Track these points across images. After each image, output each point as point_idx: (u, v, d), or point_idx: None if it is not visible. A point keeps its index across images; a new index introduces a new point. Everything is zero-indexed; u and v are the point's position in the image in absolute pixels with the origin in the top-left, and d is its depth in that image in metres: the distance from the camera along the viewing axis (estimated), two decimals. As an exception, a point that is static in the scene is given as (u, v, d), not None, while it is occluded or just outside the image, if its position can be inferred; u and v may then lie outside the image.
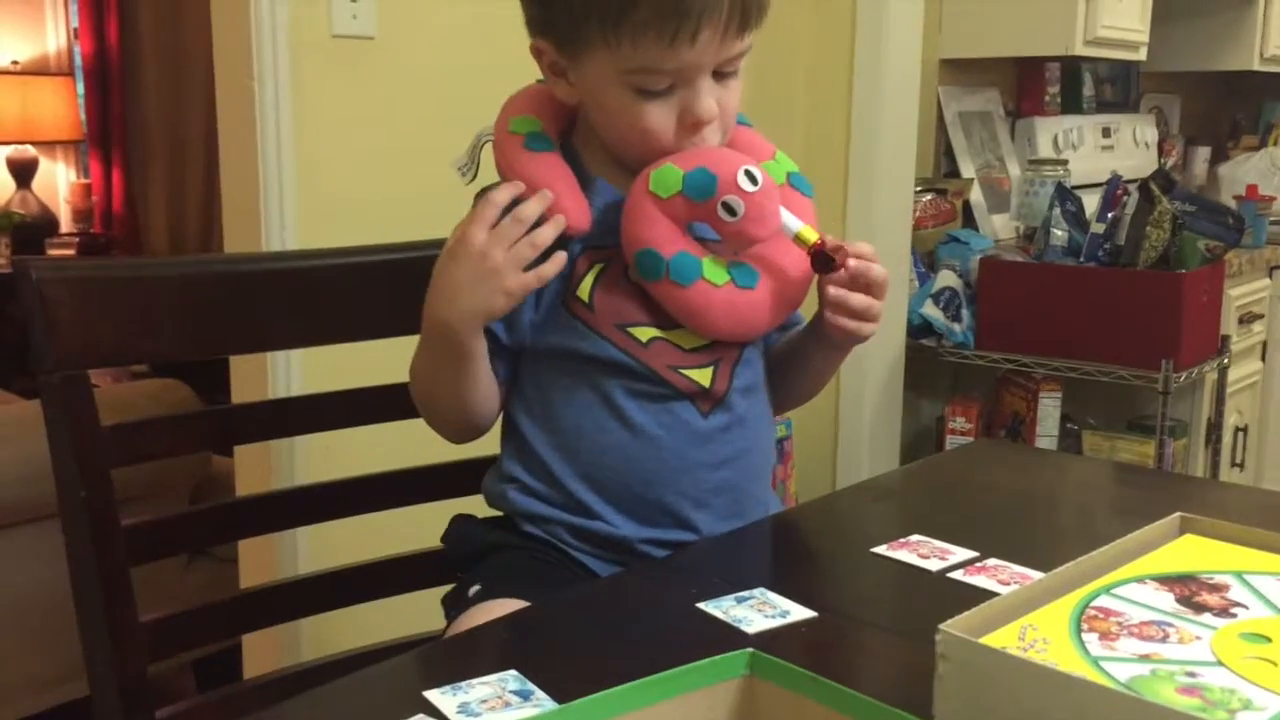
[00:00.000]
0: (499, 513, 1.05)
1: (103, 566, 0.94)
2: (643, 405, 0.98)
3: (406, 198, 1.70)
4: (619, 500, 0.98)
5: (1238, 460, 2.74)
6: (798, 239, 0.96)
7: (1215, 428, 2.59)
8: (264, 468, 1.59)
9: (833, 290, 0.98)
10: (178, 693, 1.91)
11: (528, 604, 0.89)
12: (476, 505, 1.08)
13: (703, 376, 1.00)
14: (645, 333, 0.98)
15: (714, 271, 0.95)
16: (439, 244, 1.17)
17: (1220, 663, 0.64)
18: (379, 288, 1.13)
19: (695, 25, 0.89)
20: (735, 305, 0.96)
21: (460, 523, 1.08)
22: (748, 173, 0.92)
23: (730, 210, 0.92)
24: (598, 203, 0.98)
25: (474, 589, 0.97)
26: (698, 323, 0.96)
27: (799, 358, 1.09)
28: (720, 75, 0.95)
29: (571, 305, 0.99)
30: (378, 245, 1.15)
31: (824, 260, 0.96)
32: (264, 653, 1.61)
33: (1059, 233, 2.41)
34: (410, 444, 1.14)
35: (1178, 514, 0.83)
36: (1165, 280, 2.23)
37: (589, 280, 0.98)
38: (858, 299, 0.98)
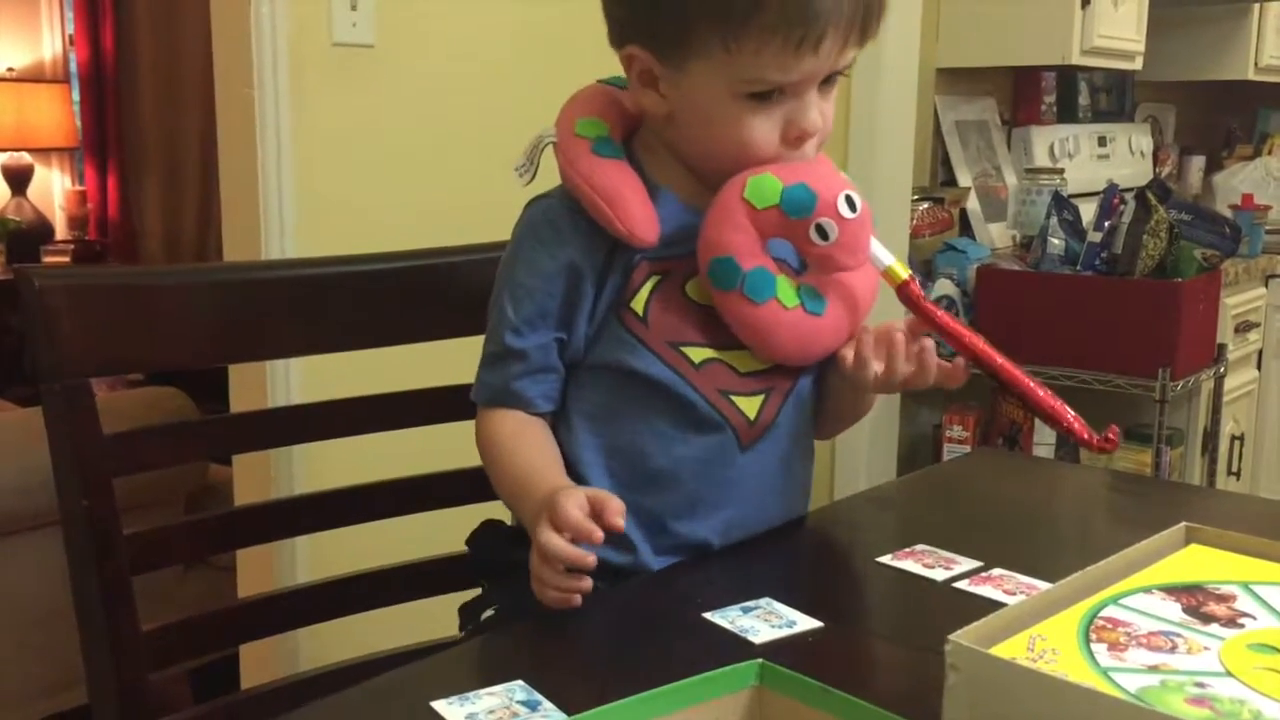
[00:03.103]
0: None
1: (104, 576, 0.93)
2: (686, 437, 0.96)
3: (406, 205, 1.70)
4: (650, 529, 0.96)
5: (1234, 469, 2.75)
6: (888, 273, 0.93)
7: (1211, 436, 2.59)
8: (263, 476, 1.58)
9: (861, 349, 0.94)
10: (174, 701, 1.90)
11: None
12: (473, 515, 1.07)
13: (750, 406, 0.97)
14: (700, 353, 0.96)
15: (786, 292, 0.92)
16: (439, 252, 1.17)
17: (1229, 673, 0.64)
18: (379, 296, 1.13)
19: (821, 31, 0.86)
20: (801, 330, 0.93)
21: (489, 529, 1.06)
22: (848, 198, 0.89)
23: (823, 233, 0.89)
24: (661, 214, 0.95)
25: (488, 613, 0.97)
26: (761, 341, 0.94)
27: (831, 392, 1.04)
28: (825, 85, 0.92)
29: (624, 316, 0.96)
30: (378, 254, 1.15)
31: (913, 300, 0.93)
32: (262, 661, 1.60)
33: (1056, 241, 2.41)
34: (409, 453, 1.14)
35: (1183, 524, 0.83)
36: (1162, 289, 2.24)
37: (645, 292, 0.95)
38: (878, 364, 0.94)
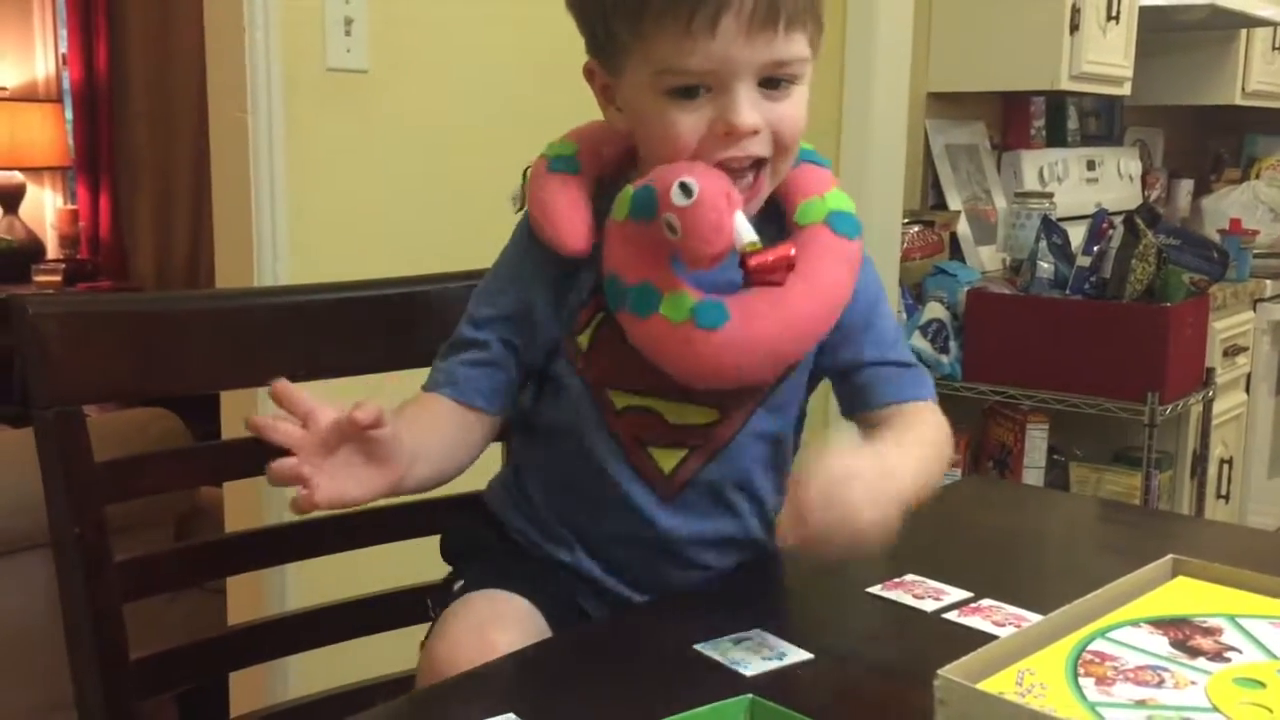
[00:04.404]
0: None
1: (94, 603, 0.93)
2: (606, 476, 0.95)
3: (400, 230, 1.71)
4: (581, 532, 0.98)
5: (1223, 492, 2.76)
6: (742, 251, 0.83)
7: (1200, 460, 2.60)
8: (253, 499, 1.58)
9: (791, 500, 0.76)
10: (162, 724, 1.90)
11: (511, 595, 0.91)
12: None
13: (666, 460, 0.94)
14: (624, 399, 0.94)
15: (675, 306, 0.86)
16: (433, 279, 1.18)
17: (1215, 709, 0.64)
18: (372, 322, 1.13)
19: (715, 10, 0.82)
20: (693, 345, 0.86)
21: (457, 520, 1.07)
22: (682, 185, 0.82)
23: (671, 229, 0.83)
24: None
25: (458, 584, 0.97)
26: (655, 359, 0.89)
27: None
28: (771, 84, 0.86)
29: (568, 346, 0.95)
30: (371, 280, 1.15)
31: (746, 270, 0.83)
32: (251, 687, 1.59)
33: (1045, 265, 2.43)
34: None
35: (1170, 556, 0.83)
36: (1151, 313, 2.25)
37: (592, 326, 0.94)
38: (817, 518, 0.75)
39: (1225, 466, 2.75)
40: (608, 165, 0.96)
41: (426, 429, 0.90)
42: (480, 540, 1.02)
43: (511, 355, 0.96)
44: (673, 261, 0.87)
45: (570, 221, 0.92)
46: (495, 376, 0.95)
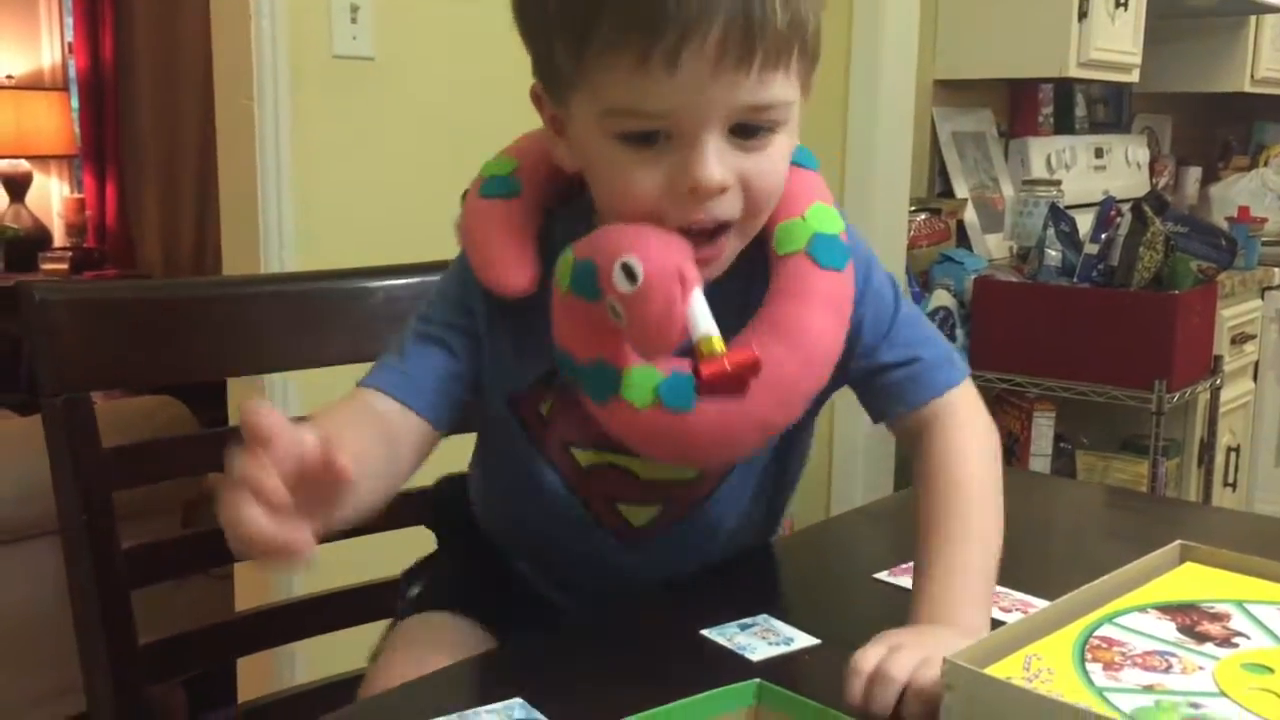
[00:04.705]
0: None
1: (103, 590, 0.94)
2: (560, 524, 0.87)
3: (406, 217, 1.71)
4: (535, 560, 0.93)
5: (1230, 480, 2.75)
6: (697, 347, 0.70)
7: (1208, 448, 2.60)
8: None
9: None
10: (169, 709, 1.91)
11: (456, 617, 0.88)
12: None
13: (638, 515, 0.85)
14: (588, 456, 0.83)
15: (637, 388, 0.73)
16: (437, 266, 1.17)
17: (1223, 693, 0.64)
18: (378, 310, 1.13)
19: (676, 42, 0.67)
20: (665, 432, 0.74)
21: (448, 487, 0.99)
22: (625, 268, 0.68)
23: (615, 313, 0.70)
24: None
25: (415, 590, 0.94)
26: (629, 444, 0.77)
27: None
28: (745, 131, 0.72)
29: (525, 404, 0.84)
30: (377, 267, 1.15)
31: (698, 382, 0.71)
32: (258, 672, 1.60)
33: (1053, 253, 2.42)
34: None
35: (1178, 542, 0.83)
36: (1158, 301, 2.25)
37: (552, 394, 0.82)
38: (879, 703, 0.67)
39: (1232, 454, 2.75)
40: (558, 182, 0.82)
41: (351, 424, 0.75)
42: (468, 514, 0.96)
43: (466, 362, 0.82)
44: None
45: (506, 256, 0.79)
46: (435, 387, 0.80)
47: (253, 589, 1.64)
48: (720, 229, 0.74)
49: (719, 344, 0.70)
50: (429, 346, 0.82)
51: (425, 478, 1.00)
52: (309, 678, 1.18)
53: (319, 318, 1.11)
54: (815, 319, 0.77)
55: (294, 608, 1.12)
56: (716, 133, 0.71)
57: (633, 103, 0.70)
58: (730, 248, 0.76)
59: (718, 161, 0.71)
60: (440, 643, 0.86)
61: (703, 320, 0.69)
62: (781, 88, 0.72)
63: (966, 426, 0.83)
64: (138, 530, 1.00)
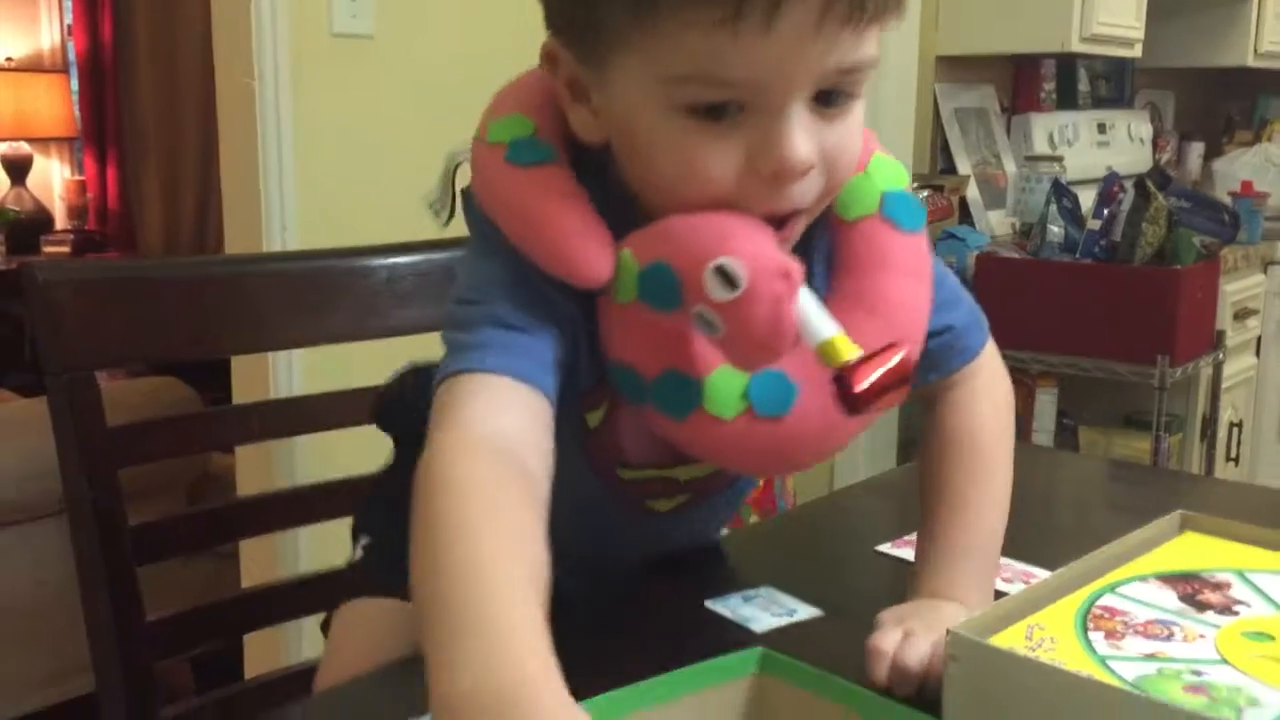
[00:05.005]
0: None
1: (110, 567, 0.94)
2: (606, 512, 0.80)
3: (407, 195, 1.70)
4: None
5: (1233, 455, 2.75)
6: (826, 351, 0.60)
7: (1210, 423, 2.60)
8: (264, 465, 1.59)
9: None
10: (175, 686, 1.92)
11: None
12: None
13: (666, 505, 0.81)
14: (633, 473, 0.77)
15: (722, 398, 0.65)
16: (440, 244, 1.17)
17: (1225, 661, 0.65)
18: (381, 288, 1.13)
19: None
20: (753, 441, 0.66)
21: (412, 385, 0.88)
22: (721, 272, 0.59)
23: (709, 325, 0.61)
24: None
25: (363, 542, 0.87)
26: (709, 459, 0.71)
27: None
28: (827, 99, 0.61)
29: (570, 414, 0.70)
30: (380, 245, 1.15)
31: (850, 399, 0.58)
32: (265, 648, 1.61)
33: (1055, 229, 2.42)
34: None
35: (1179, 511, 0.84)
36: (1161, 276, 2.24)
37: (604, 406, 0.73)
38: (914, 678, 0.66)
39: (1235, 429, 2.75)
40: (571, 144, 0.68)
41: (529, 547, 0.56)
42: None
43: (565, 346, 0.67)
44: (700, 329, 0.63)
45: (583, 239, 0.65)
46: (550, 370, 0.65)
47: (259, 566, 1.65)
48: (794, 213, 0.64)
49: (848, 346, 0.59)
50: (526, 335, 0.65)
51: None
52: (315, 654, 1.18)
53: (322, 296, 1.11)
54: (906, 290, 0.70)
55: (300, 584, 1.12)
56: (802, 102, 0.61)
57: (711, 68, 0.58)
58: (799, 232, 0.66)
59: (805, 136, 0.61)
60: (395, 628, 0.80)
61: (818, 320, 0.60)
62: (872, 43, 0.62)
63: (989, 391, 0.80)
64: (144, 509, 1.00)
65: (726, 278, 0.59)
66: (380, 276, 1.14)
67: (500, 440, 0.59)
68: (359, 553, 0.87)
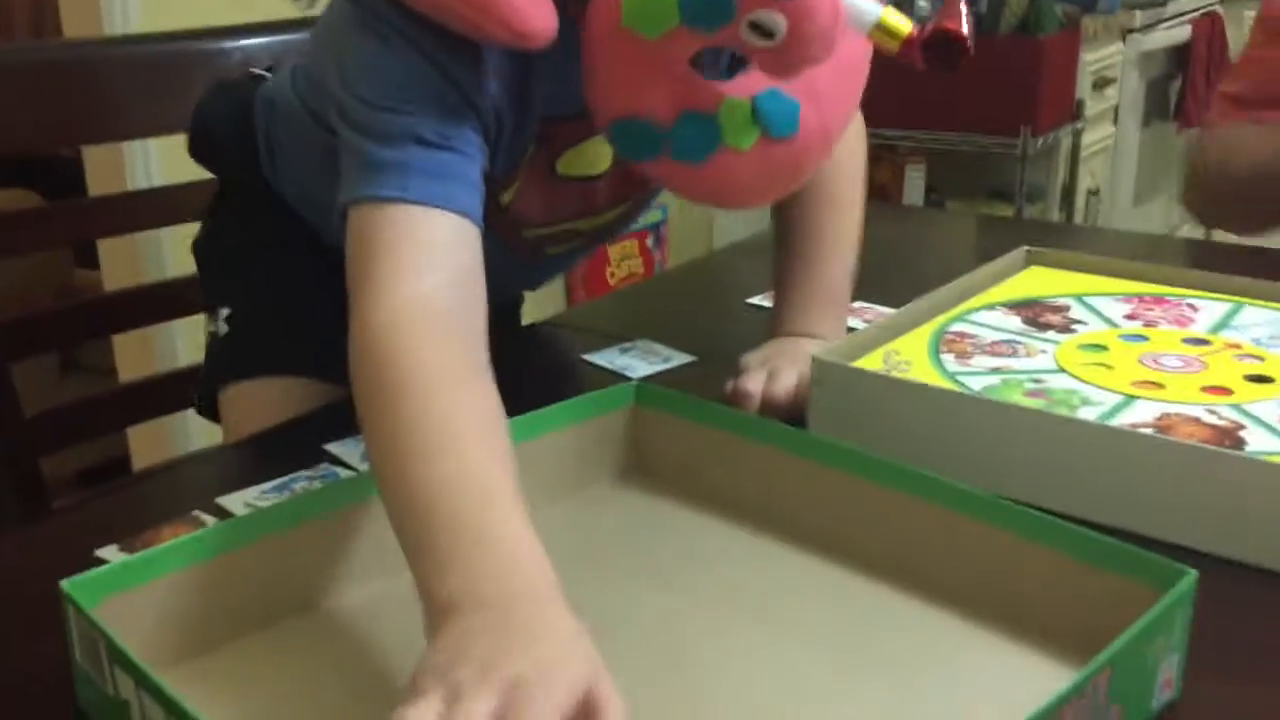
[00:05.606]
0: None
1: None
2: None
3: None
4: None
5: (1090, 222, 2.87)
6: (880, 33, 0.59)
7: (1069, 191, 2.70)
8: (131, 264, 1.55)
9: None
10: (60, 483, 1.92)
11: (306, 382, 0.78)
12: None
13: (556, 250, 0.82)
14: (535, 230, 0.77)
15: (738, 128, 0.62)
16: (298, 24, 1.12)
17: (1063, 370, 0.70)
18: (235, 71, 1.09)
19: None
20: (771, 167, 0.64)
21: (221, 102, 0.85)
22: None
23: (764, 32, 0.57)
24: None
25: (224, 314, 0.83)
26: (720, 200, 0.70)
27: None
28: None
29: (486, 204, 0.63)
30: (232, 26, 1.10)
31: (946, 54, 0.59)
32: (152, 446, 1.61)
33: (923, 3, 2.42)
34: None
35: (1024, 248, 0.88)
36: (1024, 46, 2.28)
37: (518, 180, 0.71)
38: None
39: (1093, 197, 2.86)
40: None
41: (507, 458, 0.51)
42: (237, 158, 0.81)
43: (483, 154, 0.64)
44: (692, 70, 0.61)
45: None
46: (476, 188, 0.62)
47: (136, 365, 1.63)
48: None
49: (901, 19, 0.59)
50: (451, 154, 0.61)
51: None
52: (205, 443, 1.19)
53: (173, 82, 1.06)
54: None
55: (178, 376, 1.12)
56: None
57: None
58: None
59: None
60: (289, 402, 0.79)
61: (864, 3, 0.59)
62: None
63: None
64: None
65: None
66: (234, 59, 1.09)
67: (441, 301, 0.56)
68: (222, 326, 0.84)
